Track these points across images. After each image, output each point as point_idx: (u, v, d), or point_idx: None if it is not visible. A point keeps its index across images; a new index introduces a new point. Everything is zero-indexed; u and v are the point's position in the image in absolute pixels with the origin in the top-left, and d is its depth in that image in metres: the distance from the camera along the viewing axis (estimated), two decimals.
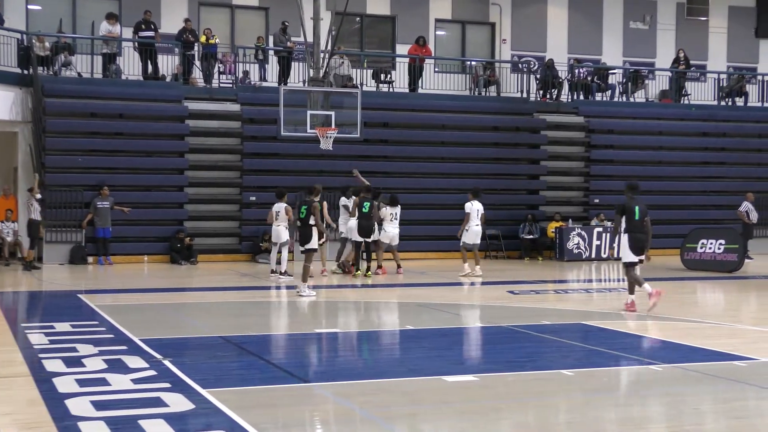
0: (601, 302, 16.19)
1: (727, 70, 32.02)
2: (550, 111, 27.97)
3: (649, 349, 10.48)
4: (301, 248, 15.95)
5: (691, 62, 30.54)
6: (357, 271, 19.20)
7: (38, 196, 20.81)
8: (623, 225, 13.93)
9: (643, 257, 14.04)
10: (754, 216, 24.97)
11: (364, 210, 19.08)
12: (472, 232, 19.71)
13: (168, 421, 6.80)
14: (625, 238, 13.96)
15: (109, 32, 24.63)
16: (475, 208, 19.74)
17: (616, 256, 14.91)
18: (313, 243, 15.93)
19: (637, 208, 13.92)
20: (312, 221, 15.86)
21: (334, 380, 8.74)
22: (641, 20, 31.82)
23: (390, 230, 19.96)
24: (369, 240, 19.21)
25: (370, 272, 19.15)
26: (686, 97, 30.36)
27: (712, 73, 31.43)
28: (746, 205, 24.91)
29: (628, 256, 14.00)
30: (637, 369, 9.31)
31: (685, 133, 29.21)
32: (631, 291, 14.02)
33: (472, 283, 18.57)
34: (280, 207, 18.56)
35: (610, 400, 8.06)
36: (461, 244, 19.87)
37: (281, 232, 18.64)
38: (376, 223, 19.34)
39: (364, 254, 19.35)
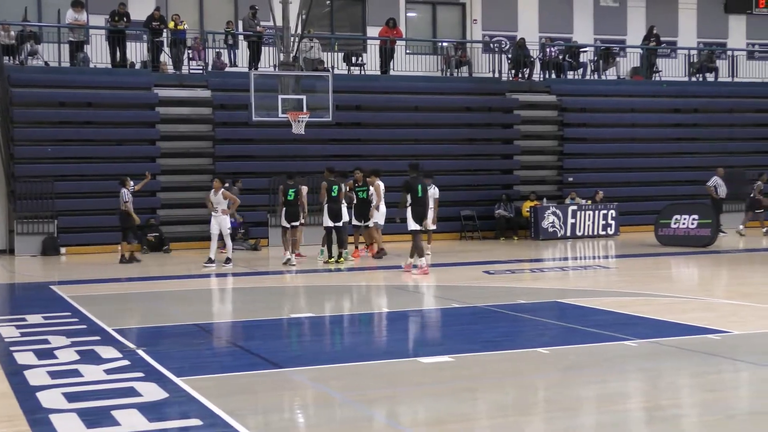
0: (576, 280, 16.23)
1: (698, 46, 32.12)
2: (523, 90, 27.96)
3: (624, 325, 10.49)
4: (363, 224, 19.13)
5: (662, 39, 30.61)
6: (330, 258, 18.80)
7: (131, 184, 19.76)
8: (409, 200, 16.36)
9: (422, 226, 16.62)
10: (722, 191, 25.07)
11: (332, 194, 18.84)
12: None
13: (141, 411, 6.72)
14: (409, 211, 16.36)
15: (75, 20, 24.32)
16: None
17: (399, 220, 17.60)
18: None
19: (419, 185, 16.38)
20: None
21: (310, 365, 8.71)
22: None
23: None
24: (340, 225, 18.85)
25: (342, 258, 18.75)
26: (657, 74, 30.44)
27: (682, 49, 31.53)
28: (715, 180, 25.01)
29: (412, 224, 16.40)
30: (612, 345, 9.31)
31: (657, 110, 29.33)
32: (421, 255, 16.37)
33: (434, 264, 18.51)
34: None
35: (586, 377, 8.06)
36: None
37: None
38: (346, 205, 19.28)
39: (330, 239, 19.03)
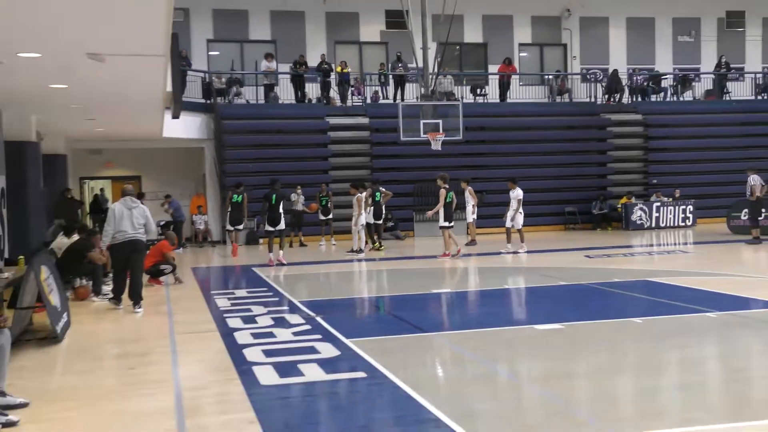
0: (662, 263, 15.49)
1: (762, 70, 30.17)
2: (614, 111, 26.96)
3: (705, 300, 9.93)
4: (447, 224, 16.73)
5: (731, 65, 28.92)
6: (374, 245, 18.88)
7: (298, 190, 21.52)
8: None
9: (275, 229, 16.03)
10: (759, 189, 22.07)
11: (376, 198, 19.04)
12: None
13: (320, 365, 6.80)
14: (266, 218, 16.00)
15: (267, 68, 25.02)
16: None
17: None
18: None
19: (274, 195, 15.94)
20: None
21: (448, 330, 8.63)
22: (687, 34, 30.29)
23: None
24: (380, 222, 19.40)
25: (383, 246, 18.96)
26: (728, 95, 28.74)
27: (749, 73, 29.69)
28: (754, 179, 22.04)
29: (268, 227, 16.09)
30: (695, 317, 8.83)
31: (727, 124, 27.64)
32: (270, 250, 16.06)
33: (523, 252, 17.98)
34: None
35: (673, 343, 7.66)
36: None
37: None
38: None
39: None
